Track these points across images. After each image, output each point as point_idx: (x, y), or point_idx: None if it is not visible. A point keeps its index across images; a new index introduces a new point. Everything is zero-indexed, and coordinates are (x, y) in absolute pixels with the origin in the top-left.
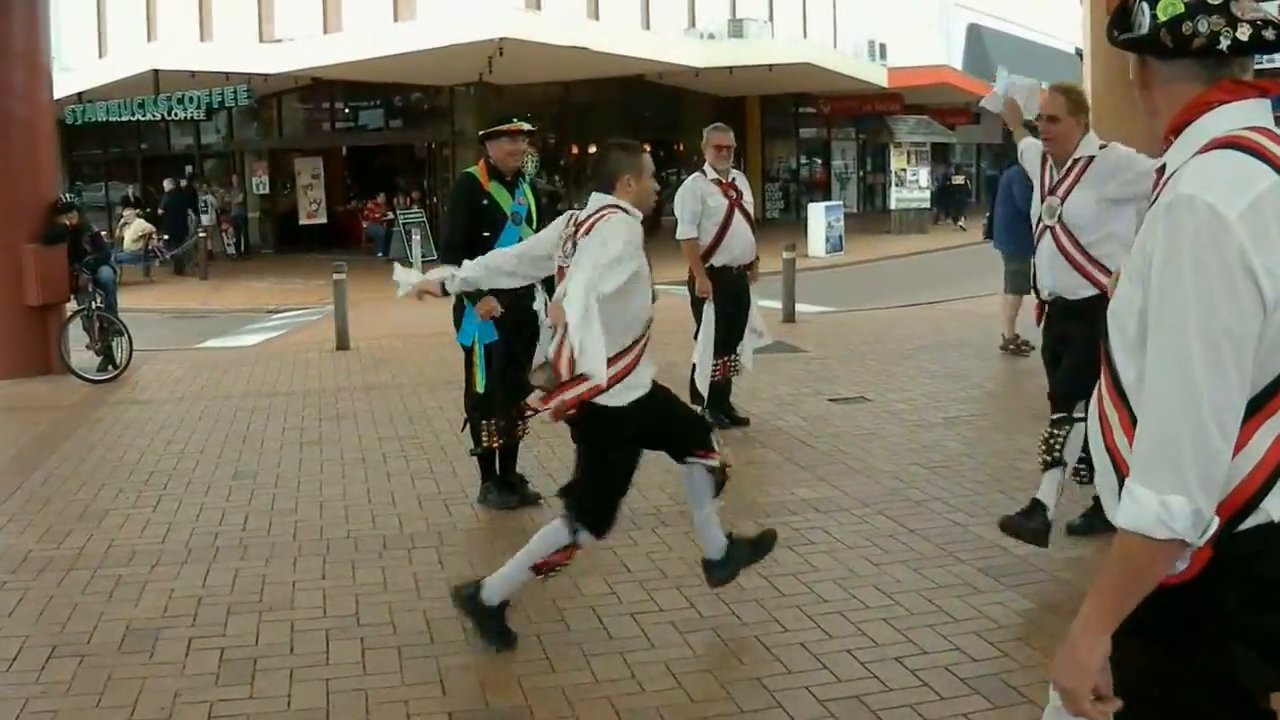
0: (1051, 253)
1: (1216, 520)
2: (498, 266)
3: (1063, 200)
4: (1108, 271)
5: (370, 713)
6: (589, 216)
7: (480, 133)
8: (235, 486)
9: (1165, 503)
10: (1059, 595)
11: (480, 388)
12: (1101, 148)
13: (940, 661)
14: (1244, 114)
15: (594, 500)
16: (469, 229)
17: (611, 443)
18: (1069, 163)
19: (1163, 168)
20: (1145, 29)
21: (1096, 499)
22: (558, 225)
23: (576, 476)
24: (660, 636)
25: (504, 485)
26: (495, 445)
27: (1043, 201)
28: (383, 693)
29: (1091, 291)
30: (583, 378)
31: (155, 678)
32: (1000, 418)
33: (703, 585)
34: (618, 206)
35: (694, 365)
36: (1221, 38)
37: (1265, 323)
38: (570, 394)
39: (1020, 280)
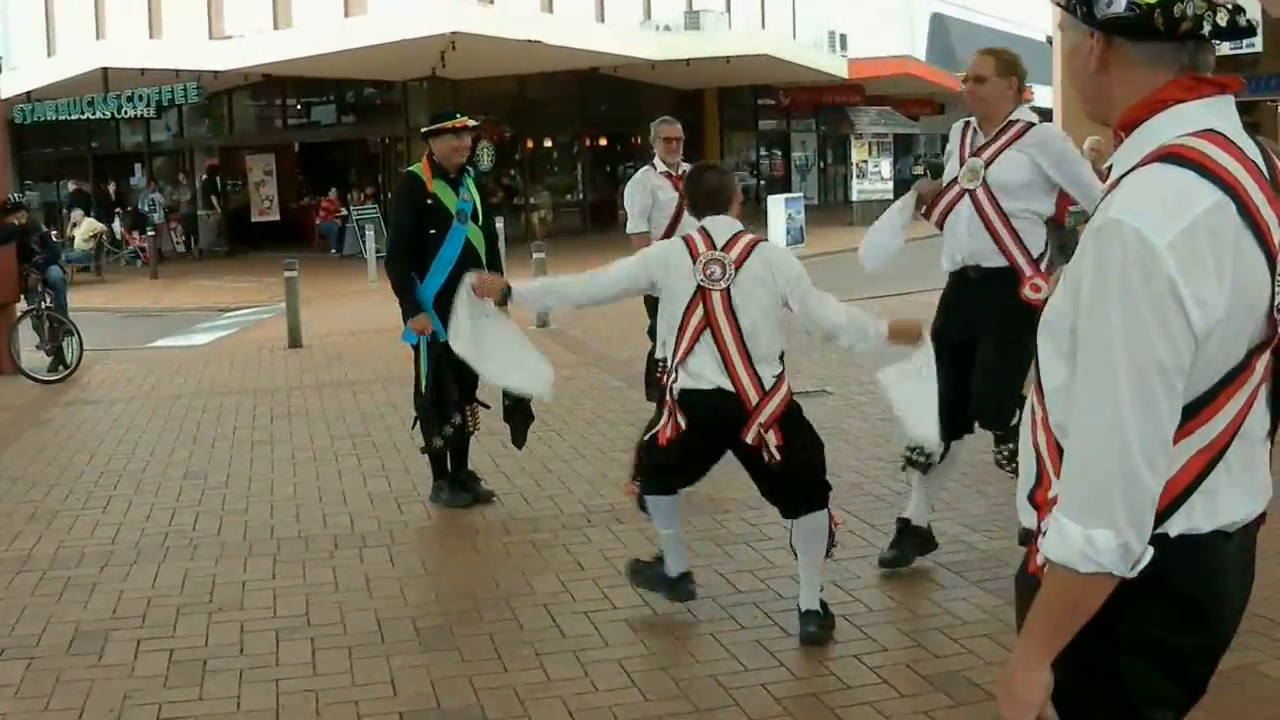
0: (970, 216)
1: (1150, 550)
2: (562, 293)
3: (988, 164)
4: (1023, 248)
5: (320, 713)
6: (732, 241)
7: (424, 130)
8: (186, 486)
9: (1090, 537)
10: None
11: (424, 387)
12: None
13: (901, 659)
14: (1202, 113)
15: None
16: (415, 229)
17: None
18: (1002, 124)
19: (1109, 168)
20: (1123, 7)
21: (902, 528)
22: (661, 256)
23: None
24: (614, 635)
25: (456, 483)
26: (441, 449)
27: (961, 166)
28: (333, 693)
29: (1003, 262)
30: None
31: (104, 680)
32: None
33: None
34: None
35: (653, 360)
36: (1204, 21)
37: (1197, 351)
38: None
39: None
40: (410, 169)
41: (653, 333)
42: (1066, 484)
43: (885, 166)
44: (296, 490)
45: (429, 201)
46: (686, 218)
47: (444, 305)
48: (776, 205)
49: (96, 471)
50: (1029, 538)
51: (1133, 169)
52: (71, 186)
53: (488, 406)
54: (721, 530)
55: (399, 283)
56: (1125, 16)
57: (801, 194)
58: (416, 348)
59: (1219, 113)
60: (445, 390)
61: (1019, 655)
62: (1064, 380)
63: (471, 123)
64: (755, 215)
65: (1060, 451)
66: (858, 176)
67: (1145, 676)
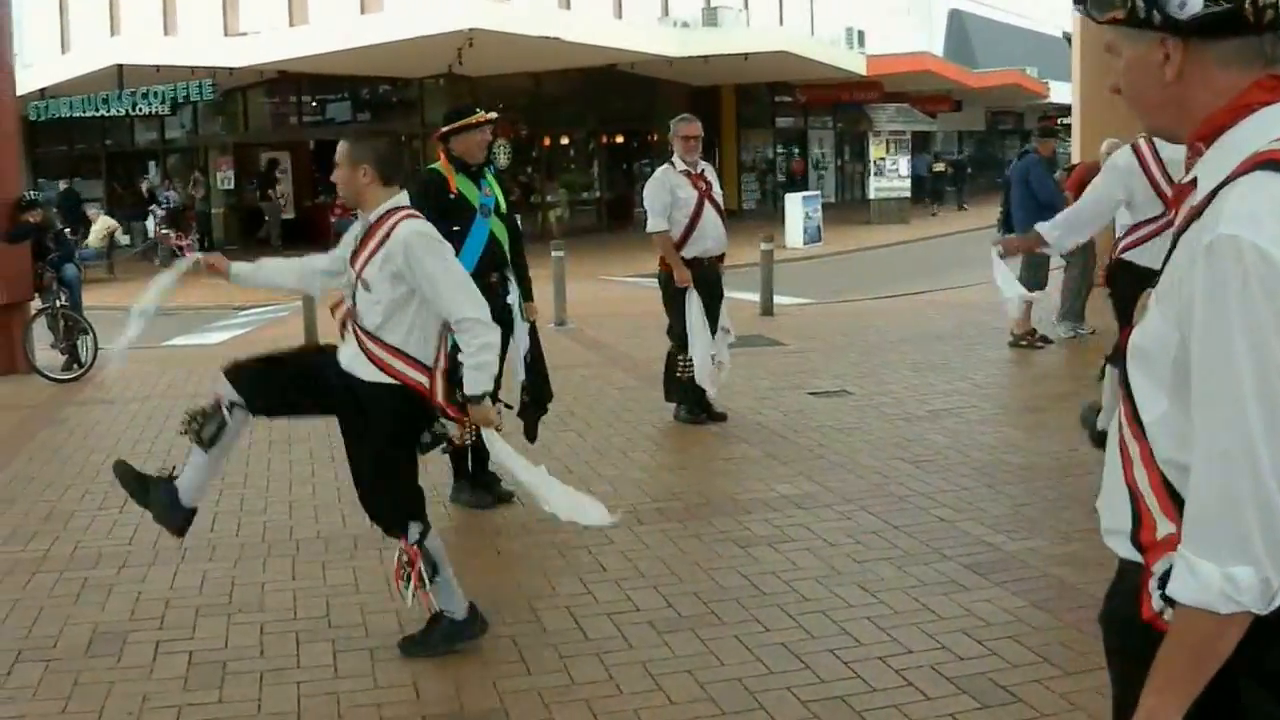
0: None
1: None
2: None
3: None
4: None
5: (343, 716)
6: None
7: (443, 129)
8: None
9: (1230, 575)
10: (1049, 592)
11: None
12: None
13: (926, 661)
14: None
15: None
16: (438, 227)
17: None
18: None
19: (1191, 181)
20: (1201, 5)
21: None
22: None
23: None
24: (638, 637)
25: (476, 484)
26: (468, 442)
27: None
28: (355, 696)
29: None
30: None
31: (123, 682)
32: (987, 410)
33: (680, 584)
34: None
35: (673, 360)
36: None
37: None
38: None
39: (1036, 274)
40: (431, 166)
41: (672, 333)
42: (1196, 521)
43: (903, 164)
44: (315, 491)
45: (452, 198)
46: (706, 216)
47: None
48: (794, 203)
49: (113, 471)
50: (1134, 572)
51: (1228, 181)
52: (62, 185)
53: (510, 407)
54: (744, 532)
55: None
56: (1213, 12)
57: (819, 192)
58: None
59: None
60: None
61: (1148, 709)
62: (1164, 411)
63: (492, 116)
64: (773, 214)
65: (1168, 488)
66: (875, 174)
67: (1264, 704)
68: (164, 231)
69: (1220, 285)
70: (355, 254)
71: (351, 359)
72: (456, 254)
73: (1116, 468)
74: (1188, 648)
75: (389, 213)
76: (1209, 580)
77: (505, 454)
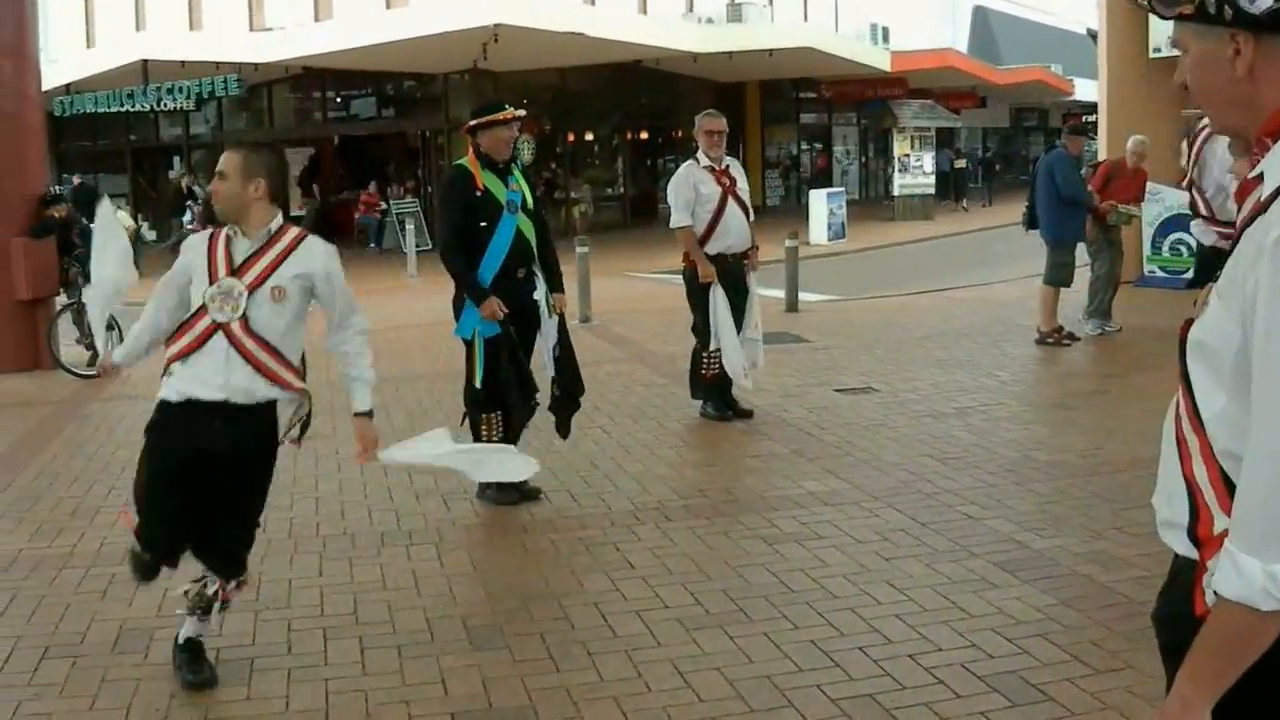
0: None
1: None
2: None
3: None
4: None
5: (370, 714)
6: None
7: (470, 124)
8: None
9: (1273, 573)
10: (1079, 590)
11: (479, 382)
12: None
13: (956, 659)
14: None
15: None
16: (464, 224)
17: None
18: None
19: (1258, 177)
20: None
21: None
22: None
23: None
24: (666, 634)
25: (503, 481)
26: (494, 439)
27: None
28: (383, 693)
29: None
30: None
31: (150, 679)
32: (1014, 407)
33: (708, 581)
34: None
35: (698, 357)
36: None
37: None
38: None
39: (1063, 272)
40: (458, 163)
41: (696, 329)
42: (1243, 516)
43: (927, 160)
44: (341, 487)
45: (478, 194)
46: (730, 211)
47: (498, 296)
48: (818, 200)
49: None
50: (1188, 569)
51: None
52: (76, 180)
53: (537, 404)
54: (772, 529)
55: (460, 273)
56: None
57: (843, 189)
58: (470, 342)
59: None
60: (501, 387)
61: (1181, 697)
62: (1224, 407)
63: (519, 113)
64: (797, 210)
65: (1226, 482)
66: (900, 171)
67: None
68: (191, 227)
69: None
70: (243, 267)
71: (244, 382)
72: (483, 250)
73: (1174, 461)
74: (1225, 641)
75: (286, 226)
76: (1252, 576)
77: (404, 456)
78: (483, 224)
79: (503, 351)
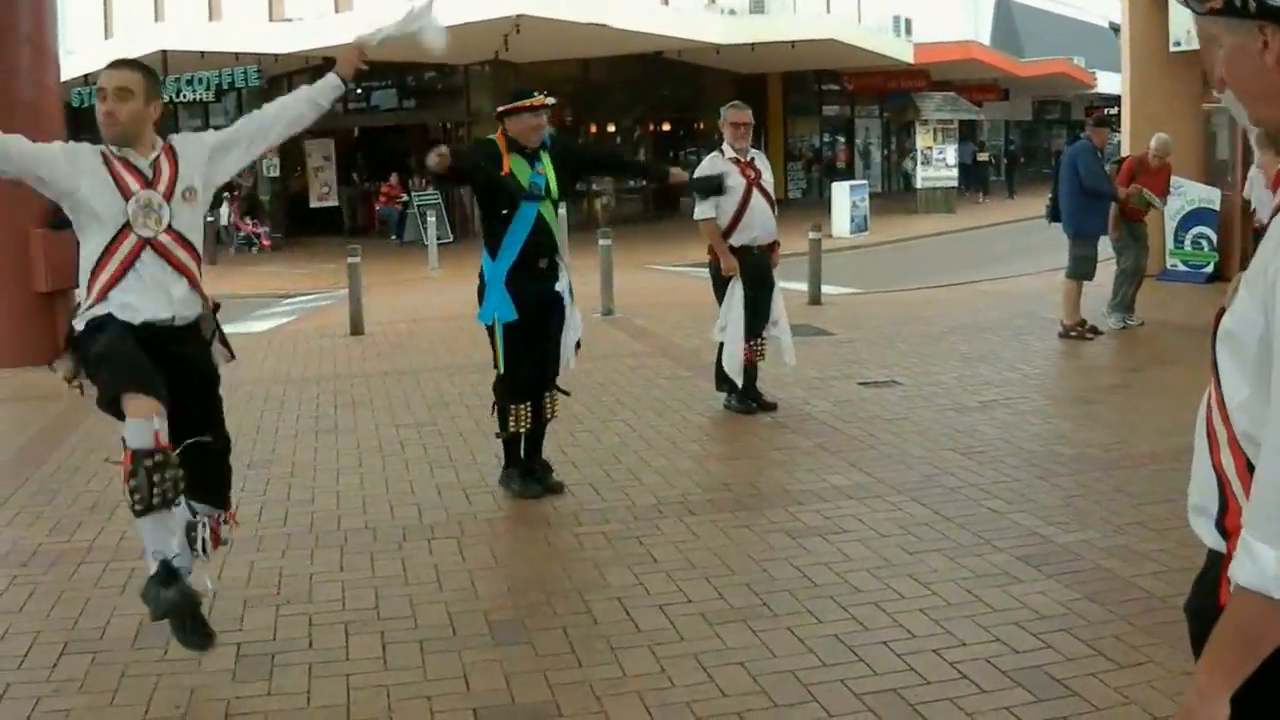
0: None
1: None
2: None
3: None
4: None
5: (392, 709)
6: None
7: (500, 109)
8: (250, 476)
9: None
10: (1102, 584)
11: (500, 367)
12: None
13: (980, 654)
14: None
15: None
16: (484, 203)
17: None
18: None
19: None
20: None
21: None
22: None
23: None
24: (689, 629)
25: (527, 473)
26: (522, 430)
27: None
28: (405, 688)
29: None
30: None
31: (170, 674)
32: (1037, 401)
33: (732, 575)
34: None
35: (720, 349)
36: None
37: None
38: None
39: (1086, 265)
40: (487, 137)
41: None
42: (1258, 503)
43: (950, 153)
44: (363, 481)
45: (503, 174)
46: (754, 204)
47: (515, 285)
48: (841, 192)
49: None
50: (1218, 561)
51: None
52: None
53: (567, 393)
54: (796, 523)
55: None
56: None
57: (866, 181)
58: (491, 329)
59: None
60: (520, 372)
61: (1199, 687)
62: (1248, 396)
63: (550, 100)
64: (819, 203)
65: (1253, 472)
66: (922, 163)
67: None
68: (228, 221)
69: None
70: (154, 180)
71: (182, 294)
72: (502, 235)
73: (1204, 451)
74: (1240, 629)
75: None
76: (1265, 564)
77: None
78: (503, 210)
79: (522, 339)
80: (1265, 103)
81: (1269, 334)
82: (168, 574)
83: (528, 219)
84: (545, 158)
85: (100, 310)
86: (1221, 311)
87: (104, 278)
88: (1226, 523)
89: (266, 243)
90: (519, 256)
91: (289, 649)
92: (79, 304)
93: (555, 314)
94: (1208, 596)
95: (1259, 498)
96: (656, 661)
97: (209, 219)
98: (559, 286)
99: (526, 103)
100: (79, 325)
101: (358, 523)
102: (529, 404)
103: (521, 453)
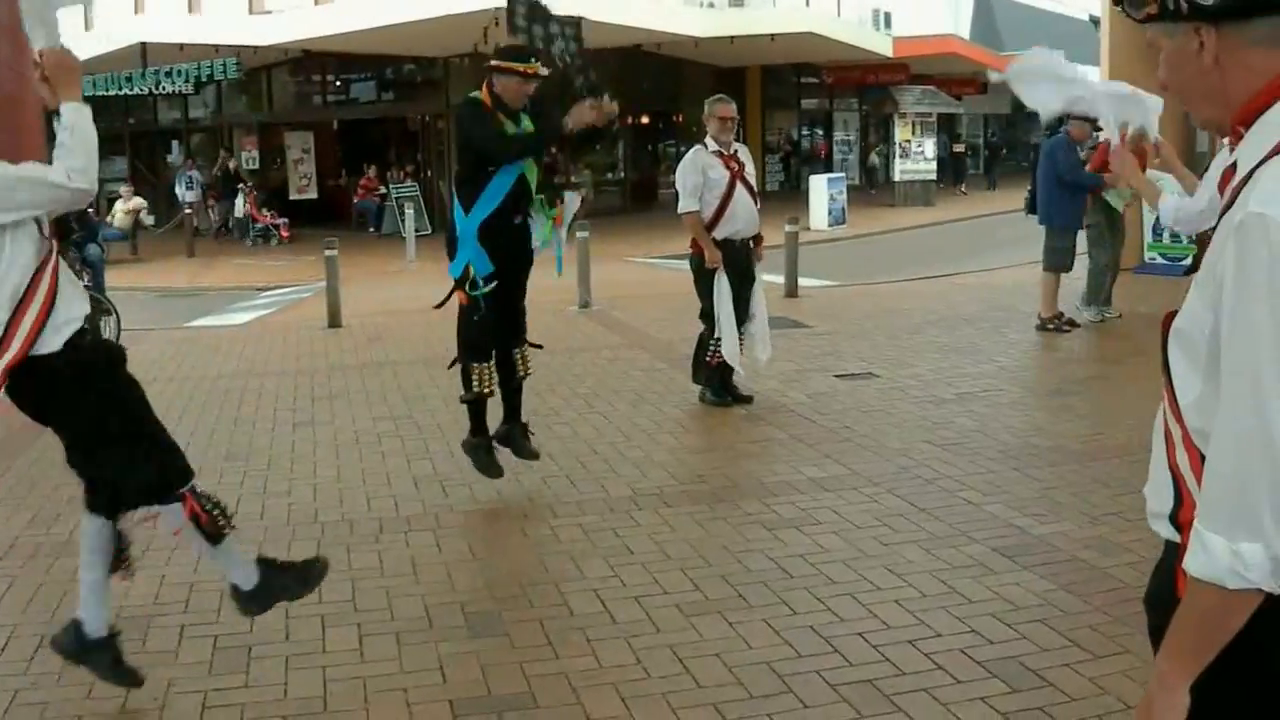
0: None
1: None
2: None
3: None
4: None
5: (369, 701)
6: None
7: (491, 61)
8: (226, 469)
9: (1238, 551)
10: (1078, 575)
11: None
12: None
13: (955, 644)
14: None
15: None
16: (473, 162)
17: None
18: None
19: (1232, 165)
20: None
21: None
22: None
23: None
24: (665, 620)
25: (490, 449)
26: (487, 391)
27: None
28: (381, 680)
29: None
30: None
31: (148, 666)
32: (1014, 393)
33: (708, 567)
34: None
35: (704, 342)
36: None
37: None
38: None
39: (1061, 257)
40: (471, 95)
41: (704, 315)
42: (1209, 495)
43: (929, 146)
44: (340, 473)
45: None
46: (738, 197)
47: (488, 239)
48: (818, 185)
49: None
50: (1174, 552)
51: (1265, 160)
52: None
53: (539, 346)
54: (771, 515)
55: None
56: None
57: (844, 174)
58: (459, 281)
59: None
60: (483, 329)
61: (1158, 677)
62: (1200, 394)
63: (543, 71)
64: (797, 195)
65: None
66: (900, 156)
67: None
68: (242, 213)
69: (1247, 264)
70: None
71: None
72: (480, 190)
73: (1160, 451)
74: (1197, 619)
75: None
76: (1218, 554)
77: None
78: (489, 168)
79: (488, 296)
80: (1207, 104)
81: (1218, 329)
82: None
83: (511, 174)
84: (526, 119)
85: (74, 328)
86: (1172, 314)
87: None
88: (1180, 517)
89: (285, 233)
90: (494, 212)
91: (265, 641)
92: None
93: (524, 269)
94: (1165, 587)
95: (1209, 489)
96: (632, 653)
97: (243, 210)
98: (534, 243)
99: (520, 67)
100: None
101: (334, 515)
102: (492, 363)
103: (500, 420)
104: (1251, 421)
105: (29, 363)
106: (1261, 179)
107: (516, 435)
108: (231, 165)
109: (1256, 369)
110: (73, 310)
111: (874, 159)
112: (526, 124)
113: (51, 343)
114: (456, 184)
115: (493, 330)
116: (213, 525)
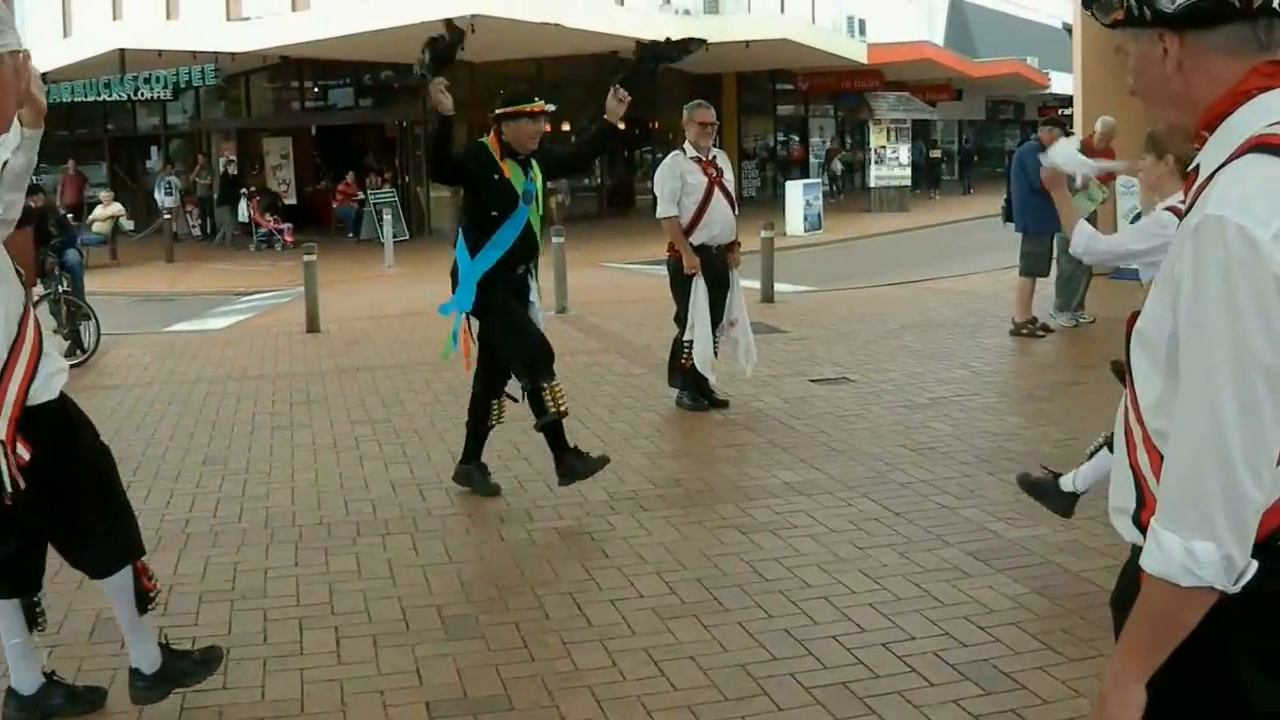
0: None
1: (1254, 564)
2: None
3: None
4: None
5: (346, 702)
6: None
7: (496, 111)
8: (206, 473)
9: (1191, 549)
10: (1051, 579)
11: (445, 355)
12: None
13: (929, 647)
14: None
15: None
16: (476, 207)
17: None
18: None
19: (1195, 169)
20: None
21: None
22: None
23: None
24: (641, 623)
25: (485, 467)
26: (562, 411)
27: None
28: (358, 682)
29: None
30: None
31: (126, 668)
32: (988, 398)
33: (683, 570)
34: None
35: (679, 346)
36: None
37: None
38: None
39: (1037, 262)
40: (479, 140)
41: (679, 319)
42: (1165, 494)
43: (903, 152)
44: (318, 477)
45: (496, 178)
46: (715, 203)
47: (491, 286)
48: (794, 191)
49: (115, 457)
50: (1137, 554)
51: (1224, 164)
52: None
53: (515, 400)
54: (747, 519)
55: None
56: (1200, 2)
57: (819, 180)
58: (469, 315)
59: None
60: (534, 342)
61: (1113, 673)
62: (1161, 394)
63: (550, 107)
64: (774, 201)
65: None
66: (876, 162)
67: (1266, 689)
68: (246, 218)
69: (1204, 265)
70: None
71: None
72: (488, 236)
73: (1122, 451)
74: (1151, 617)
75: None
76: (1172, 552)
77: None
78: (494, 213)
79: (514, 315)
80: (1171, 108)
81: (1177, 330)
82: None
83: (517, 224)
84: (535, 164)
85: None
86: (1135, 315)
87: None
88: (1143, 518)
89: (290, 239)
90: (500, 260)
91: (244, 644)
92: None
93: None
94: (1128, 589)
95: (1165, 488)
96: (608, 655)
97: (242, 216)
98: (531, 298)
99: (527, 108)
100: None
101: (312, 519)
102: (556, 381)
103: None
104: (1205, 422)
105: (26, 415)
106: (1219, 182)
107: (573, 463)
108: (231, 172)
109: (1211, 370)
110: (59, 360)
111: (837, 165)
112: (536, 170)
113: (46, 392)
114: (462, 225)
115: (536, 331)
116: (148, 596)
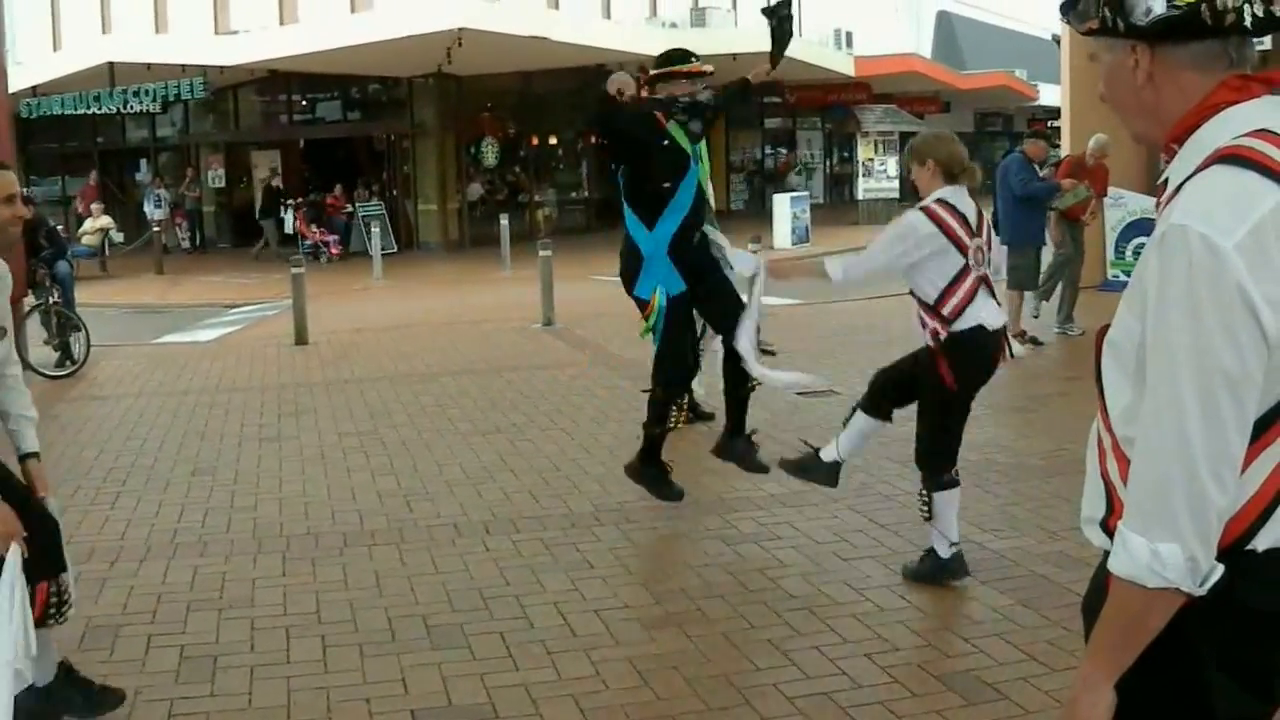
0: None
1: (1220, 568)
2: None
3: None
4: None
5: (332, 711)
6: None
7: (653, 72)
8: (194, 483)
9: (1157, 551)
10: (1037, 590)
11: (644, 334)
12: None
13: (912, 658)
14: (1254, 114)
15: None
16: (644, 179)
17: None
18: None
19: (1164, 182)
20: (1164, 7)
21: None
22: None
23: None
24: (625, 633)
25: (666, 473)
26: (673, 426)
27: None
28: (344, 691)
29: None
30: None
31: (115, 676)
32: (975, 410)
33: (668, 581)
34: None
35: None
36: (1244, 13)
37: (1270, 357)
38: None
39: (1023, 275)
40: (637, 110)
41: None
42: (1131, 497)
43: (891, 165)
44: (305, 488)
45: (665, 143)
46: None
47: (678, 253)
48: (782, 204)
49: (105, 467)
50: (1106, 559)
51: (1190, 176)
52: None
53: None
54: (731, 530)
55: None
56: (1171, 16)
57: (807, 193)
58: (647, 302)
59: (1270, 112)
60: (682, 350)
61: (1082, 675)
62: (1130, 401)
63: (708, 68)
64: (761, 214)
65: None
66: (864, 175)
67: (1230, 693)
68: (292, 230)
69: (1168, 273)
70: None
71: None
72: (665, 204)
73: (1093, 459)
74: (1119, 618)
75: None
76: (1138, 554)
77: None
78: (665, 184)
79: (684, 310)
80: (1141, 119)
81: (1145, 338)
82: None
83: (690, 185)
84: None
85: None
86: (1106, 326)
87: None
88: (1109, 524)
89: (335, 250)
90: (681, 225)
91: (231, 652)
92: None
93: (710, 279)
94: (1098, 594)
95: (1132, 492)
96: (592, 665)
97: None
98: (723, 263)
99: (685, 68)
100: None
101: (300, 529)
102: (688, 398)
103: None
104: (1170, 427)
105: None
106: (1185, 193)
107: (740, 448)
108: (274, 184)
109: (1174, 376)
110: None
111: (793, 179)
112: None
113: None
114: (629, 200)
115: (688, 357)
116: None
